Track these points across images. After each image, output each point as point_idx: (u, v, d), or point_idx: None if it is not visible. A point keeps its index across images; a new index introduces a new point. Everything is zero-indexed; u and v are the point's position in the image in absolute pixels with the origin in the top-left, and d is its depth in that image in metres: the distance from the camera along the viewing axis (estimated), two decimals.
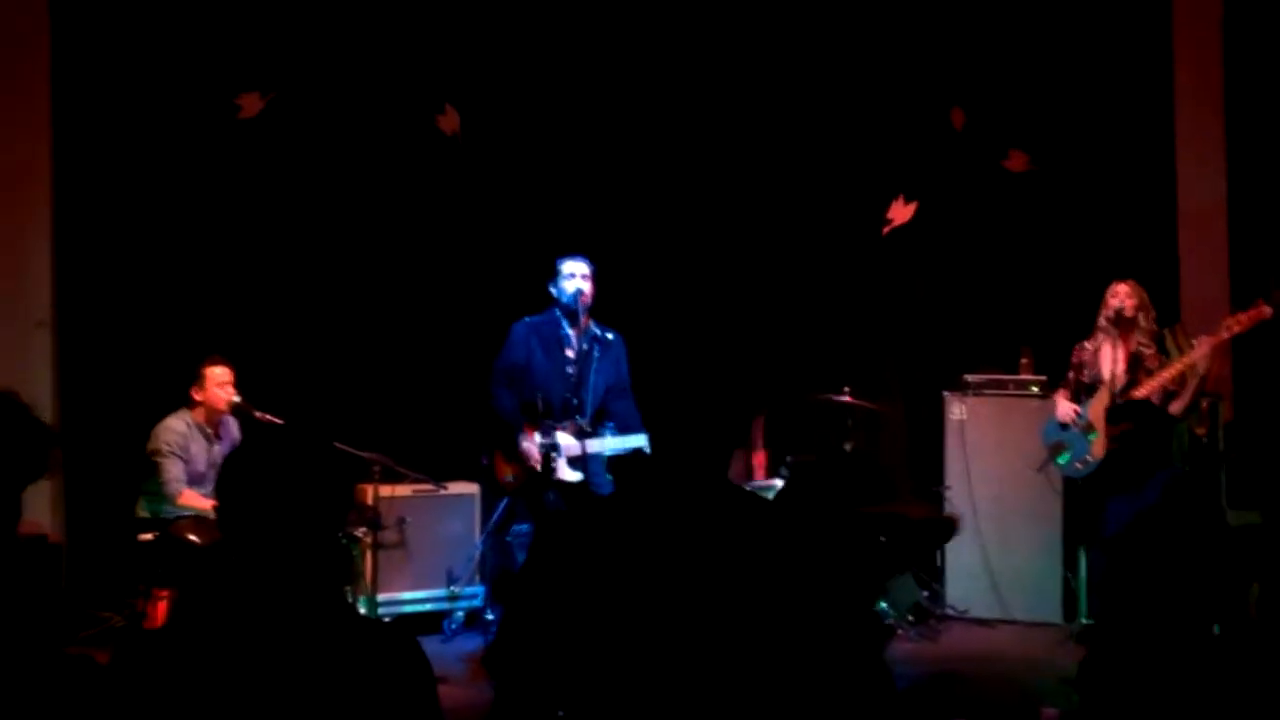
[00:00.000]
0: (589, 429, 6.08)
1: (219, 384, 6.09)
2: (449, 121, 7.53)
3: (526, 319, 6.36)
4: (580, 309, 6.18)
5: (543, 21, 7.58)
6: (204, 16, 7.01)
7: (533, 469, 6.09)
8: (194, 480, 6.07)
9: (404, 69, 7.40)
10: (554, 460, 6.05)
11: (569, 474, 6.09)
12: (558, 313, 6.29)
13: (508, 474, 6.22)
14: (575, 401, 6.16)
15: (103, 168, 6.92)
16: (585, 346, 6.20)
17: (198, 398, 6.12)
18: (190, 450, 6.09)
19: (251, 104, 7.10)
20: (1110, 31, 7.58)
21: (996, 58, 7.73)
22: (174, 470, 6.00)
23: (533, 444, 6.11)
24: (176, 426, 6.09)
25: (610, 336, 6.28)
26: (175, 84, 6.97)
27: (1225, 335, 5.91)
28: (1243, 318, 5.91)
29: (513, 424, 6.22)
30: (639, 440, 6.04)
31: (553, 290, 6.26)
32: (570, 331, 6.26)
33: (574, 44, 7.62)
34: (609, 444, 6.12)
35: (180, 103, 6.98)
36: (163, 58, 6.94)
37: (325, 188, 7.31)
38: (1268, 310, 5.87)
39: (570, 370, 6.22)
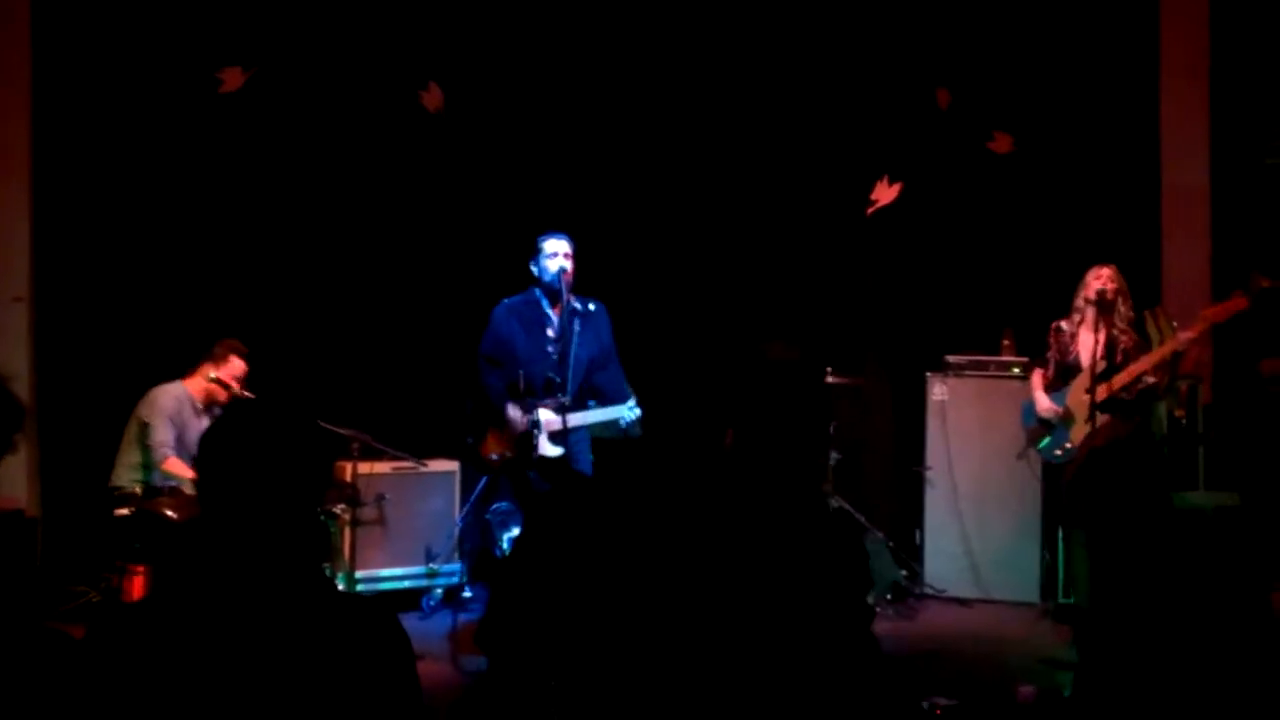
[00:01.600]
0: (569, 404, 6.00)
1: (234, 375, 6.14)
2: (433, 98, 7.48)
3: (505, 301, 6.29)
4: (564, 287, 6.09)
5: None
6: None
7: (517, 447, 6.07)
8: (182, 451, 6.10)
9: (388, 45, 7.34)
10: (535, 436, 6.01)
11: (550, 449, 6.06)
12: (538, 292, 6.22)
13: (493, 452, 6.18)
14: (558, 380, 6.10)
15: (82, 142, 6.86)
16: (566, 322, 6.14)
17: (213, 372, 6.13)
18: (182, 418, 6.16)
19: (233, 78, 7.05)
20: (1096, 12, 7.57)
21: (981, 38, 7.71)
22: (164, 434, 6.06)
23: (519, 412, 6.09)
24: (173, 392, 6.17)
25: (591, 307, 6.20)
26: (156, 58, 6.91)
27: (1203, 326, 5.96)
28: (1220, 309, 5.97)
29: (499, 404, 6.19)
30: (620, 411, 6.01)
31: (534, 269, 6.18)
32: (550, 310, 6.20)
33: (558, 21, 7.58)
34: (591, 416, 6.09)
35: (161, 77, 6.92)
36: (143, 32, 6.88)
37: (307, 164, 7.27)
38: (1244, 301, 5.93)
39: (551, 349, 6.15)
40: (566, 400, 5.99)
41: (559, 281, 6.08)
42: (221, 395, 6.17)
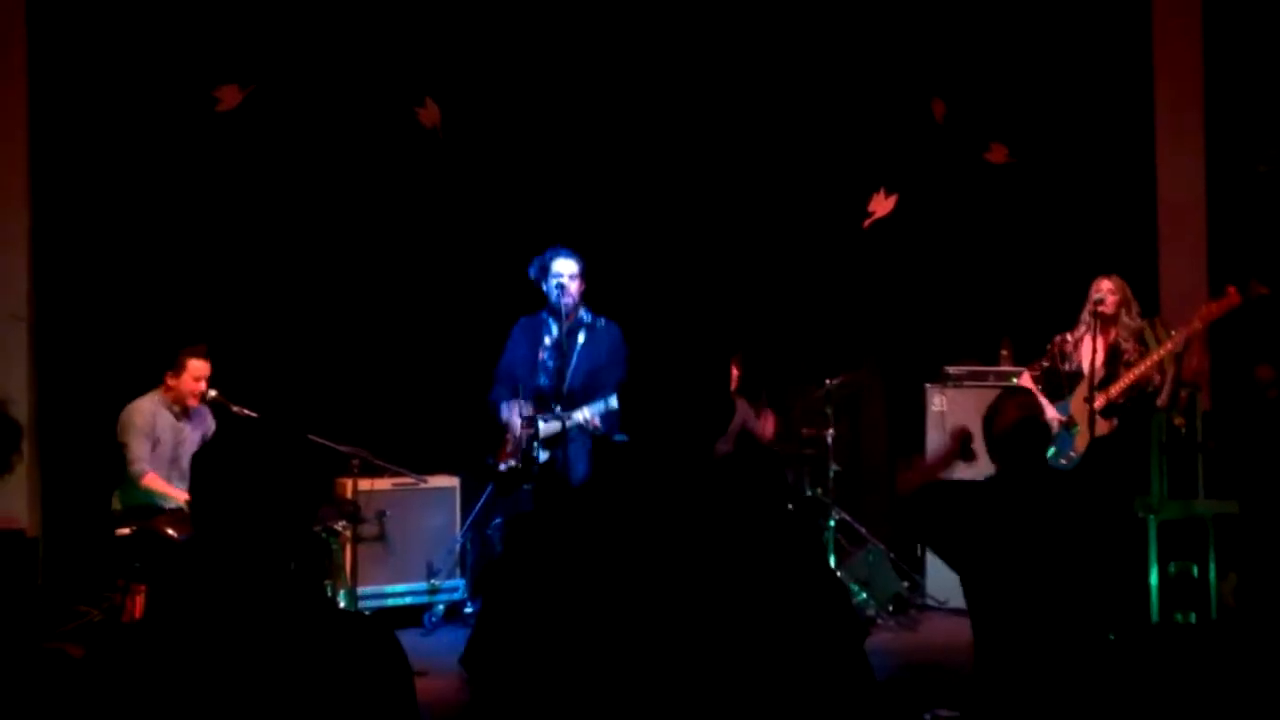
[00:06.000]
0: (562, 412, 6.01)
1: (196, 376, 6.09)
2: (429, 114, 7.49)
3: (523, 318, 6.43)
4: (563, 308, 6.16)
5: (523, 12, 7.55)
6: (183, 8, 6.96)
7: (518, 455, 6.09)
8: (164, 461, 6.08)
9: (384, 61, 7.36)
10: (535, 445, 6.01)
11: (542, 455, 6.07)
12: (545, 311, 6.32)
13: (502, 462, 6.25)
14: (550, 387, 6.14)
15: (80, 161, 6.87)
16: (567, 334, 6.18)
17: (171, 383, 6.12)
18: (158, 429, 6.11)
19: (230, 96, 7.06)
20: (1090, 24, 7.59)
21: (977, 50, 7.74)
22: (139, 450, 6.02)
23: (516, 415, 6.15)
24: (144, 407, 6.11)
25: (601, 323, 6.27)
26: (153, 76, 6.92)
27: (1198, 325, 5.95)
28: (1214, 307, 5.97)
29: (496, 414, 6.29)
30: (607, 402, 5.97)
31: (543, 287, 6.24)
32: (554, 327, 6.25)
33: (555, 36, 7.59)
34: (579, 414, 6.04)
35: (158, 95, 6.93)
36: (140, 50, 6.89)
37: (304, 181, 7.27)
38: (1237, 298, 5.92)
39: (546, 358, 6.21)
40: (559, 409, 6.00)
41: (559, 303, 6.16)
42: (192, 400, 6.14)
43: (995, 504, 3.87)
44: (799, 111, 7.83)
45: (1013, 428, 3.96)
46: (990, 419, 4.04)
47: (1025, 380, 6.45)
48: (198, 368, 6.11)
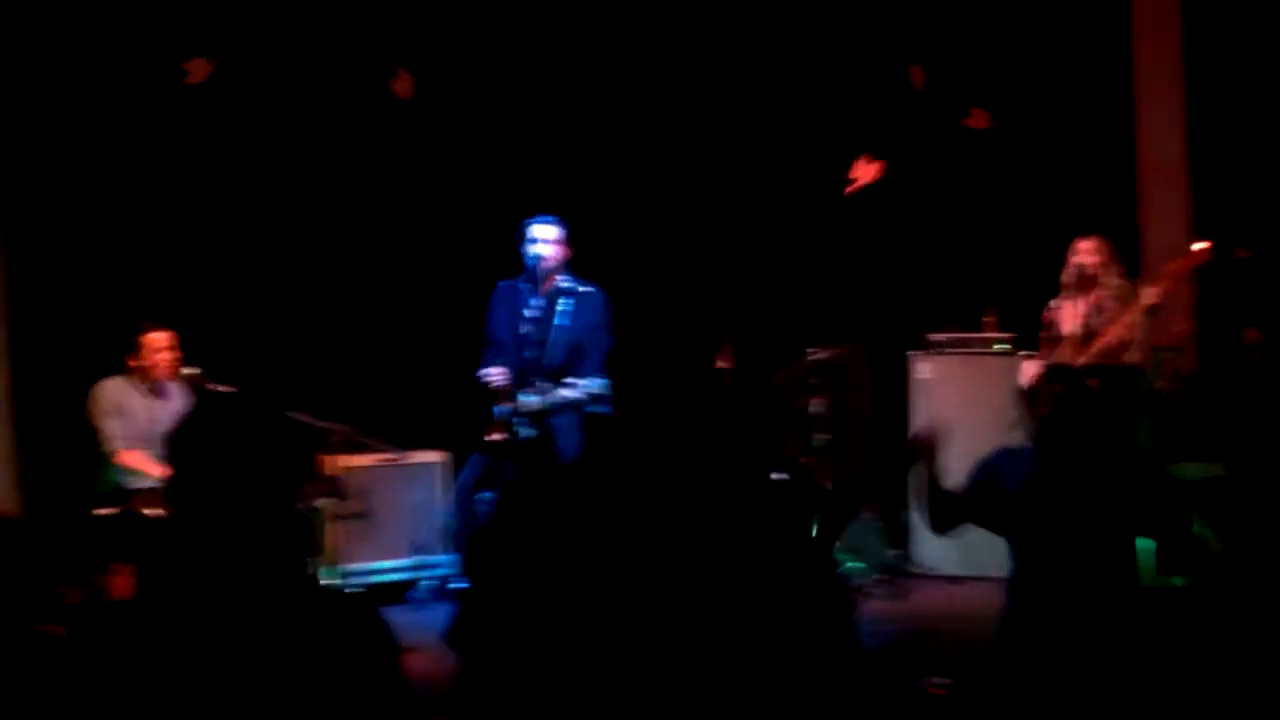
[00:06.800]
0: (545, 385, 6.03)
1: (156, 349, 6.04)
2: (403, 85, 7.43)
3: (502, 283, 6.36)
4: (540, 274, 6.14)
5: None
6: None
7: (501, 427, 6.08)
8: (136, 438, 6.00)
9: (356, 32, 7.28)
10: (516, 423, 6.03)
11: (526, 431, 6.09)
12: (523, 276, 6.28)
13: (495, 433, 6.23)
14: (533, 359, 6.12)
15: (49, 139, 6.78)
16: (547, 303, 6.14)
17: (134, 364, 6.07)
18: (125, 406, 6.04)
19: (199, 70, 6.98)
20: None
21: (956, 15, 7.70)
22: (109, 429, 5.98)
23: (499, 373, 6.13)
24: (109, 385, 6.06)
25: (583, 289, 6.22)
26: (120, 50, 6.83)
27: (1168, 282, 5.97)
28: (1183, 262, 6.00)
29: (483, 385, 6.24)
30: (589, 386, 5.97)
31: (522, 253, 6.21)
32: (531, 295, 6.21)
33: (532, 6, 7.52)
34: (560, 395, 6.04)
35: (125, 69, 6.85)
36: (107, 24, 6.80)
37: (279, 155, 7.21)
38: (1205, 253, 5.94)
39: (526, 330, 6.17)
40: (542, 382, 6.00)
41: (536, 268, 6.13)
42: (163, 373, 6.07)
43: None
44: (779, 79, 7.78)
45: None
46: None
47: (1026, 365, 6.40)
48: (155, 340, 6.06)
